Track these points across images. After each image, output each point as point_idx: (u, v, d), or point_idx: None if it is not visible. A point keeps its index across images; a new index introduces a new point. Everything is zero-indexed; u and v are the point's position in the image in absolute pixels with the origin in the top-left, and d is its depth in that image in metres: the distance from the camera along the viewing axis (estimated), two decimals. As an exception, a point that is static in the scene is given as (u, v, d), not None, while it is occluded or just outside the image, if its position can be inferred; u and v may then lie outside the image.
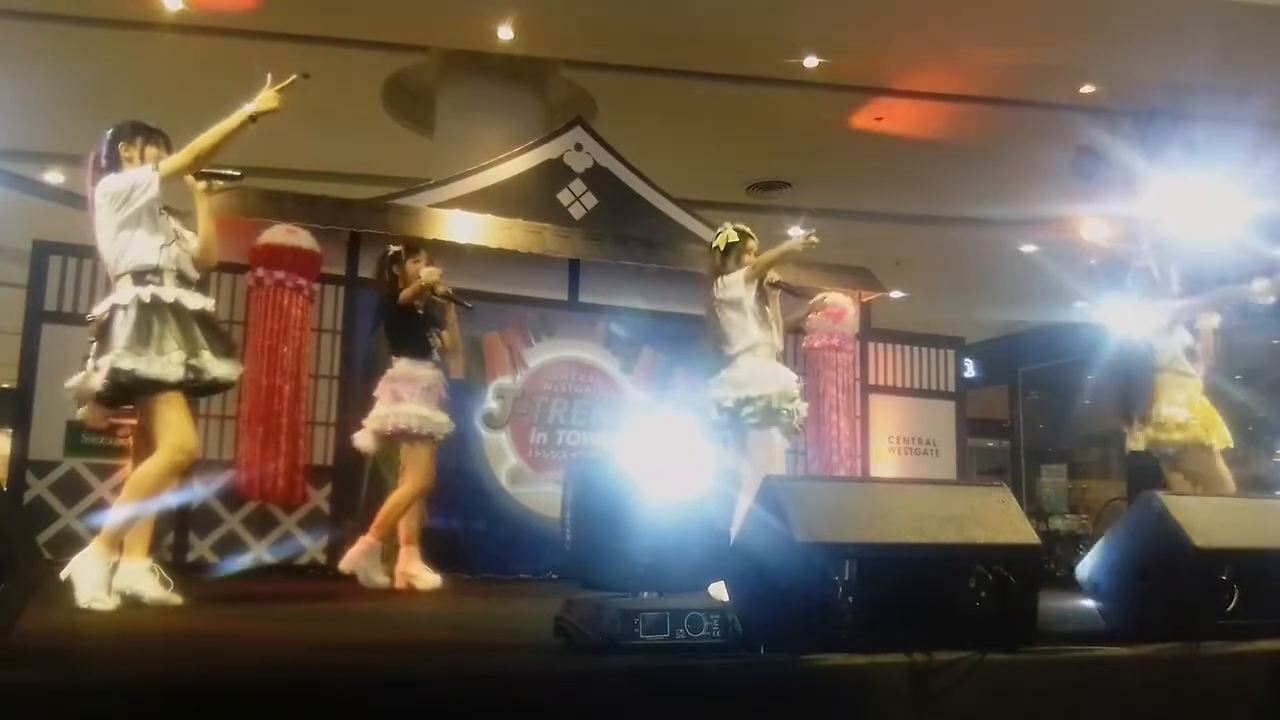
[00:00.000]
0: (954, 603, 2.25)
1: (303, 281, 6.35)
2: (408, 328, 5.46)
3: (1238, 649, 2.50)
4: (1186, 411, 5.22)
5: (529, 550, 6.52)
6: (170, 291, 3.84)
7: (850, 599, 2.18)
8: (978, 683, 2.14)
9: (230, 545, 6.26)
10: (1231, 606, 2.56)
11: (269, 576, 6.07)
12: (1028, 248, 11.91)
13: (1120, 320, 5.53)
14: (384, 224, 6.81)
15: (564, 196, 7.34)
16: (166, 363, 3.66)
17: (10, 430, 6.17)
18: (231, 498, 6.22)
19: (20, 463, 5.99)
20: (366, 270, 6.82)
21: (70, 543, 5.93)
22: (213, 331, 3.89)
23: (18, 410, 6.09)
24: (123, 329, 3.68)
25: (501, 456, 7.04)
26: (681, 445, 3.46)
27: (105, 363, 3.62)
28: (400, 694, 1.83)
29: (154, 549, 6.03)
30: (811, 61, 8.42)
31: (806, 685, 2.07)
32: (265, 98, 4.18)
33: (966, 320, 11.35)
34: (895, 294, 9.28)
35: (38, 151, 10.37)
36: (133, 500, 3.64)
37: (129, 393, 3.73)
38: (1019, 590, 2.31)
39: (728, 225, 5.11)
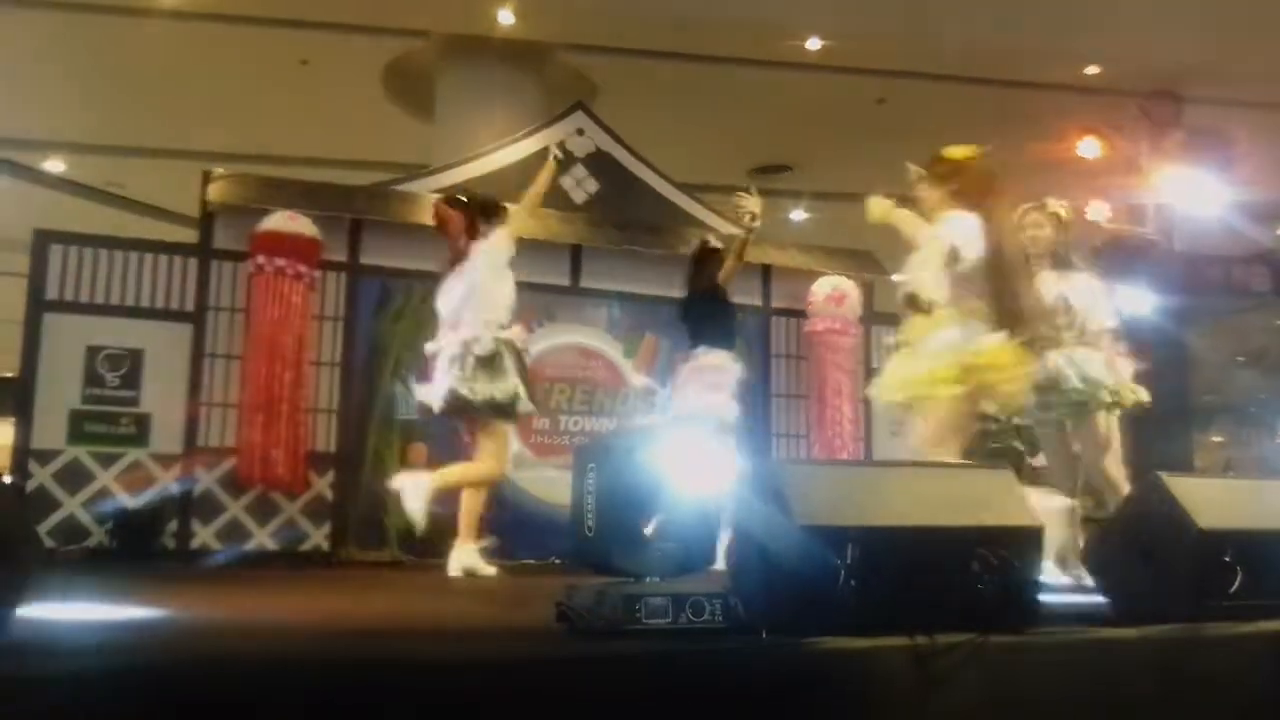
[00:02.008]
0: (957, 585, 2.24)
1: (304, 268, 6.34)
2: (718, 317, 5.70)
3: (1241, 630, 2.49)
4: None
5: (532, 536, 6.52)
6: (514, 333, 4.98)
7: (852, 582, 2.17)
8: (980, 665, 2.14)
9: (233, 532, 6.28)
10: (1235, 588, 2.54)
11: (272, 563, 6.08)
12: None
13: (1136, 302, 5.55)
14: (385, 210, 6.80)
15: (566, 181, 7.32)
16: (506, 390, 4.78)
17: (12, 419, 6.18)
18: (234, 485, 6.23)
19: (23, 451, 6.00)
20: (368, 257, 6.83)
21: (74, 531, 5.96)
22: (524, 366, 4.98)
23: (20, 399, 6.10)
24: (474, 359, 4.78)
25: (504, 442, 7.03)
26: (700, 429, 3.47)
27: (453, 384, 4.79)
28: (402, 679, 1.82)
29: (158, 538, 6.09)
30: (814, 43, 8.39)
31: (809, 668, 2.06)
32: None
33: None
34: (897, 277, 9.24)
35: (39, 140, 10.36)
36: (455, 482, 4.97)
37: (471, 410, 4.86)
38: (1022, 572, 2.31)
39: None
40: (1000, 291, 3.75)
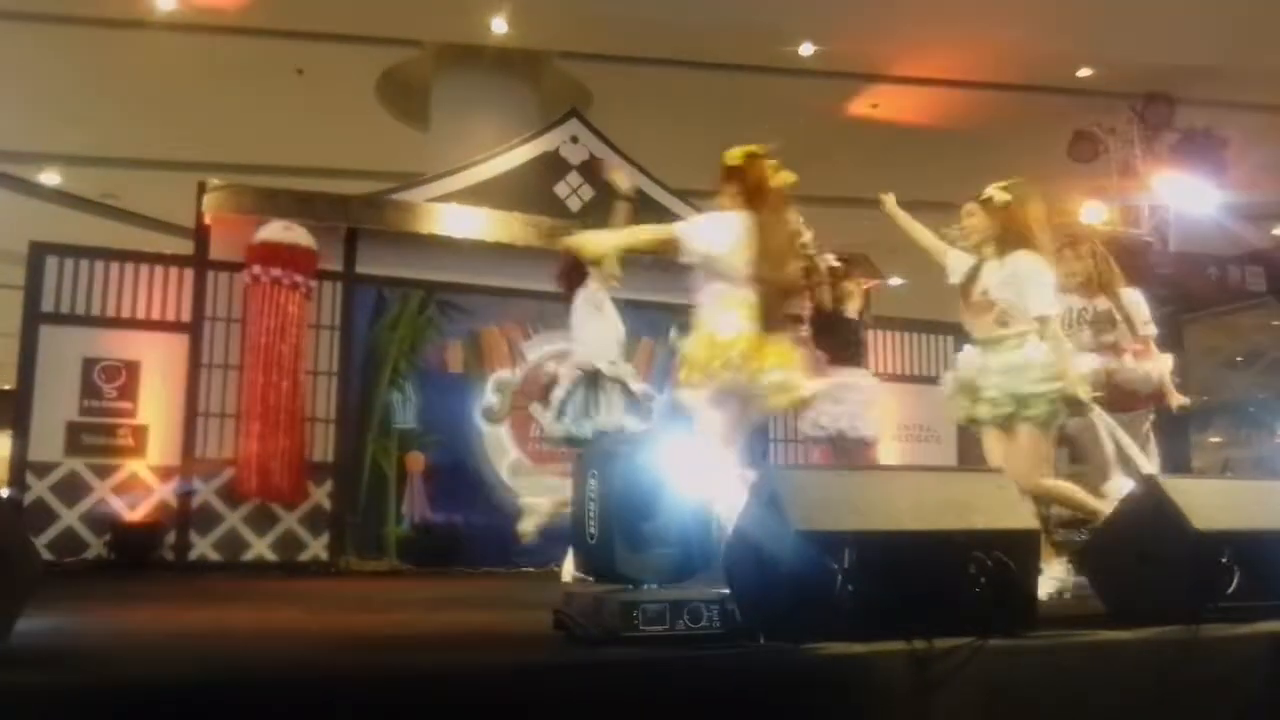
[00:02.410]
0: (954, 589, 2.25)
1: (299, 278, 6.34)
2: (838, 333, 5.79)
3: (1239, 631, 2.49)
4: None
5: (531, 543, 6.51)
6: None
7: (850, 587, 2.17)
8: (978, 669, 2.14)
9: (231, 543, 6.27)
10: (1232, 589, 2.55)
11: (270, 574, 6.07)
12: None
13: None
14: (380, 219, 6.80)
15: (561, 189, 7.33)
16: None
17: (10, 431, 6.17)
18: (232, 495, 6.23)
19: (20, 464, 5.99)
20: (363, 266, 6.83)
21: (72, 543, 5.96)
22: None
23: (17, 412, 6.09)
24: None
25: (501, 450, 7.04)
26: (696, 434, 3.47)
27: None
28: (400, 688, 1.82)
29: (156, 549, 6.08)
30: (807, 49, 8.41)
31: (806, 674, 2.06)
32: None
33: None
34: (894, 281, 9.24)
35: (33, 152, 10.36)
36: None
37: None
38: (1018, 576, 2.31)
39: None
40: (759, 288, 3.80)
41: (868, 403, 5.86)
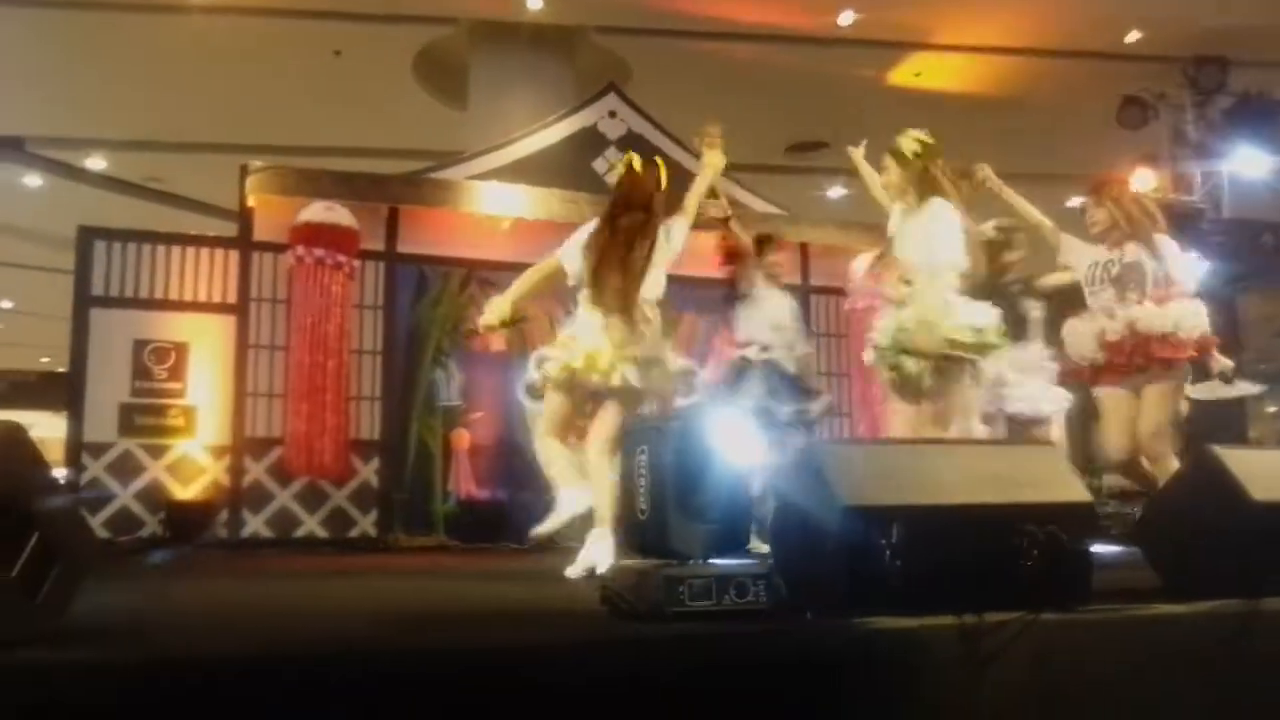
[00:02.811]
0: (1005, 564, 2.21)
1: (342, 258, 6.39)
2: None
3: (1299, 604, 2.44)
4: None
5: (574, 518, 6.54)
6: None
7: (898, 562, 2.15)
8: (1030, 643, 2.11)
9: (283, 520, 6.36)
10: (1292, 561, 2.49)
11: (321, 550, 6.16)
12: (1073, 202, 11.65)
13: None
14: (420, 198, 6.83)
15: (599, 165, 7.29)
16: None
17: (65, 413, 6.30)
18: (282, 474, 6.32)
19: (76, 444, 6.12)
20: (405, 245, 6.87)
21: (127, 521, 6.08)
22: None
23: (71, 394, 6.22)
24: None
25: (545, 427, 7.05)
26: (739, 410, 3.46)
27: None
28: (446, 663, 1.84)
29: (210, 527, 6.20)
30: (847, 18, 8.27)
31: (854, 649, 2.05)
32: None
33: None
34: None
35: (79, 138, 10.51)
36: None
37: None
38: (1071, 549, 2.27)
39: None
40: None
41: (1044, 383, 5.28)
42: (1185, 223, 8.01)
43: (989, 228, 5.63)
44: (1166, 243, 4.28)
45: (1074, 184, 11.13)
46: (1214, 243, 7.94)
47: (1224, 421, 5.60)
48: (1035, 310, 5.34)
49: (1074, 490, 2.40)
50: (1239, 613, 2.37)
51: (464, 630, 2.41)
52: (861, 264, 7.48)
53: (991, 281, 5.44)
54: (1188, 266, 4.36)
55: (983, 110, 9.43)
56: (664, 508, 2.28)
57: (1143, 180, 8.42)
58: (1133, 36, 8.61)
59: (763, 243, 5.91)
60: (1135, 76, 8.73)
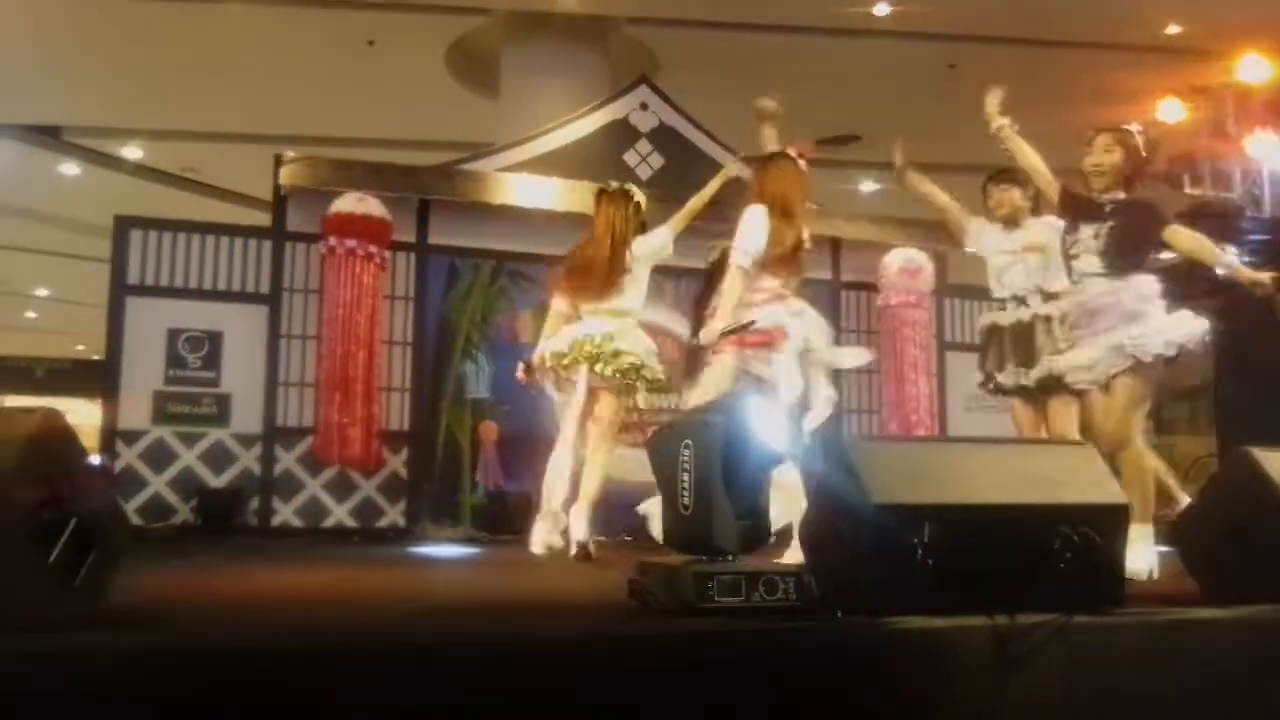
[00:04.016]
0: (1038, 565, 2.19)
1: (374, 249, 6.41)
2: None
3: (1339, 610, 2.39)
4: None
5: (603, 513, 6.55)
6: None
7: (929, 561, 2.13)
8: (1063, 646, 2.09)
9: (313, 510, 6.41)
10: (1333, 566, 2.45)
11: (351, 540, 6.20)
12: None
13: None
14: (452, 189, 6.84)
15: (630, 157, 7.28)
16: None
17: (100, 400, 6.38)
18: (312, 463, 6.37)
19: (110, 432, 6.19)
20: (436, 237, 6.89)
21: (160, 508, 6.16)
22: None
23: (106, 381, 6.29)
24: None
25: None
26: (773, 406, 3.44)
27: None
28: (473, 655, 1.84)
29: (241, 514, 6.26)
30: (882, 9, 8.20)
31: (884, 648, 2.03)
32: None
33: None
34: (971, 249, 9.05)
35: (115, 128, 10.62)
36: None
37: None
38: (1105, 551, 2.24)
39: None
40: None
41: None
42: (1224, 220, 7.88)
43: None
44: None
45: (1110, 179, 10.96)
46: (1253, 240, 7.81)
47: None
48: None
49: (1109, 491, 2.37)
50: (1276, 618, 2.33)
51: (490, 622, 2.42)
52: (894, 259, 7.43)
53: None
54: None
55: (1018, 103, 9.32)
56: (709, 503, 2.27)
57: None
58: (1173, 29, 8.47)
59: None
60: (1175, 71, 8.60)
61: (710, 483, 2.26)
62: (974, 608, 2.08)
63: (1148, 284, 3.77)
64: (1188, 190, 8.47)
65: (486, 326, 6.95)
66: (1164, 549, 3.46)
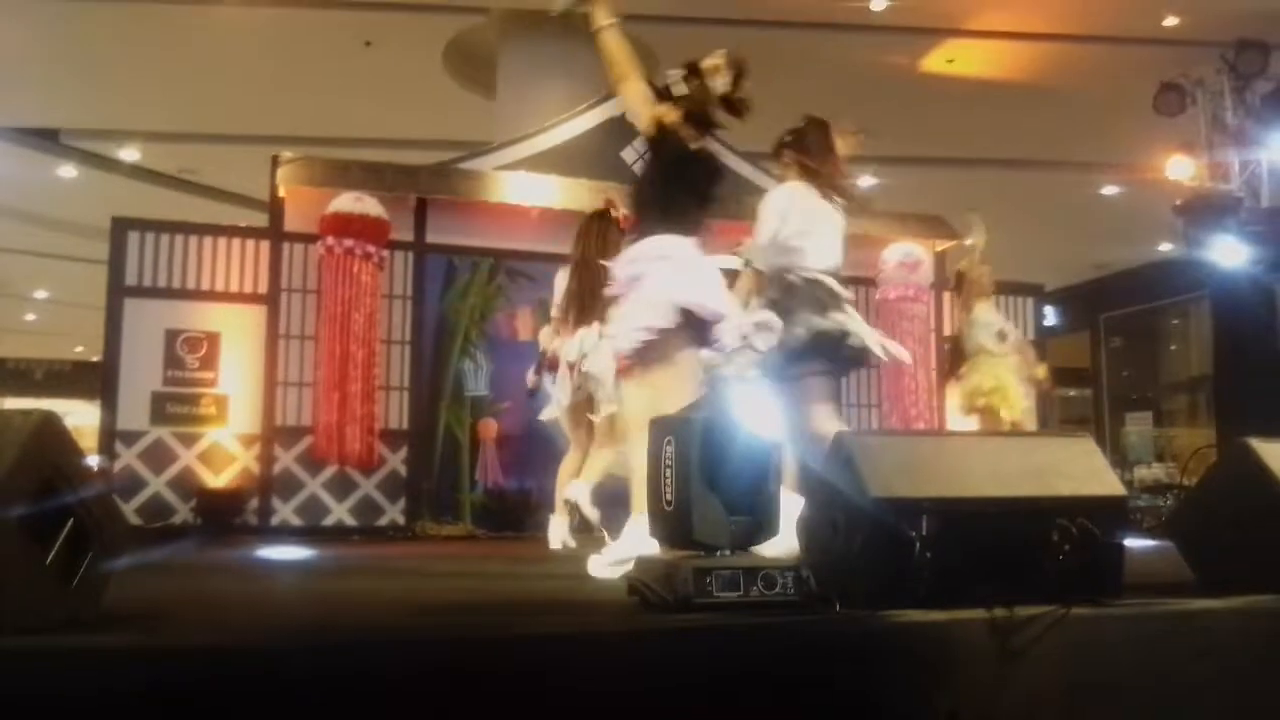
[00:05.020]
0: (1036, 557, 2.19)
1: (371, 248, 6.42)
2: None
3: (1339, 600, 2.39)
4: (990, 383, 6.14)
5: (604, 510, 6.55)
6: None
7: (928, 554, 2.13)
8: (1061, 638, 2.09)
9: (312, 508, 6.42)
10: (1332, 556, 2.44)
11: (350, 538, 6.20)
12: (1109, 189, 11.50)
13: (1227, 256, 5.22)
14: (449, 188, 6.84)
15: (627, 154, 7.27)
16: None
17: (99, 402, 6.38)
18: (311, 462, 6.37)
19: (109, 433, 6.20)
20: (434, 236, 6.89)
21: (160, 508, 6.16)
22: None
23: (105, 383, 6.30)
24: None
25: (573, 417, 7.06)
26: (759, 400, 3.43)
27: None
28: (475, 652, 1.84)
29: (240, 515, 6.26)
30: (879, 4, 8.19)
31: (883, 642, 2.03)
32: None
33: (1046, 266, 10.97)
34: (969, 242, 9.05)
35: (112, 129, 10.61)
36: None
37: None
38: (1104, 543, 2.24)
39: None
40: None
41: None
42: (1223, 212, 7.87)
43: None
44: None
45: (1109, 172, 11.03)
46: (1252, 232, 7.80)
47: None
48: None
49: (1107, 483, 2.37)
50: (1275, 608, 2.33)
51: (489, 619, 2.42)
52: (893, 253, 7.43)
53: None
54: None
55: (1017, 98, 9.32)
56: (688, 499, 2.27)
57: (1180, 169, 8.29)
58: (1170, 21, 8.46)
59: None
60: (1173, 62, 8.59)
61: (689, 478, 2.26)
62: (972, 601, 2.08)
63: None
64: (1186, 183, 8.45)
65: (485, 324, 6.95)
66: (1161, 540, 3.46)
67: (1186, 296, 13.26)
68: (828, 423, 3.49)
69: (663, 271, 3.28)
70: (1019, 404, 6.24)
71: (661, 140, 3.42)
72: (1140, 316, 13.42)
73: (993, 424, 6.06)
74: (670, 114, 3.41)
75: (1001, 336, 6.40)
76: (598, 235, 4.86)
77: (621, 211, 5.01)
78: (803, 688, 1.94)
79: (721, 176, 3.75)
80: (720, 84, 3.65)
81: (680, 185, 3.42)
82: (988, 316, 6.46)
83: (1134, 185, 10.80)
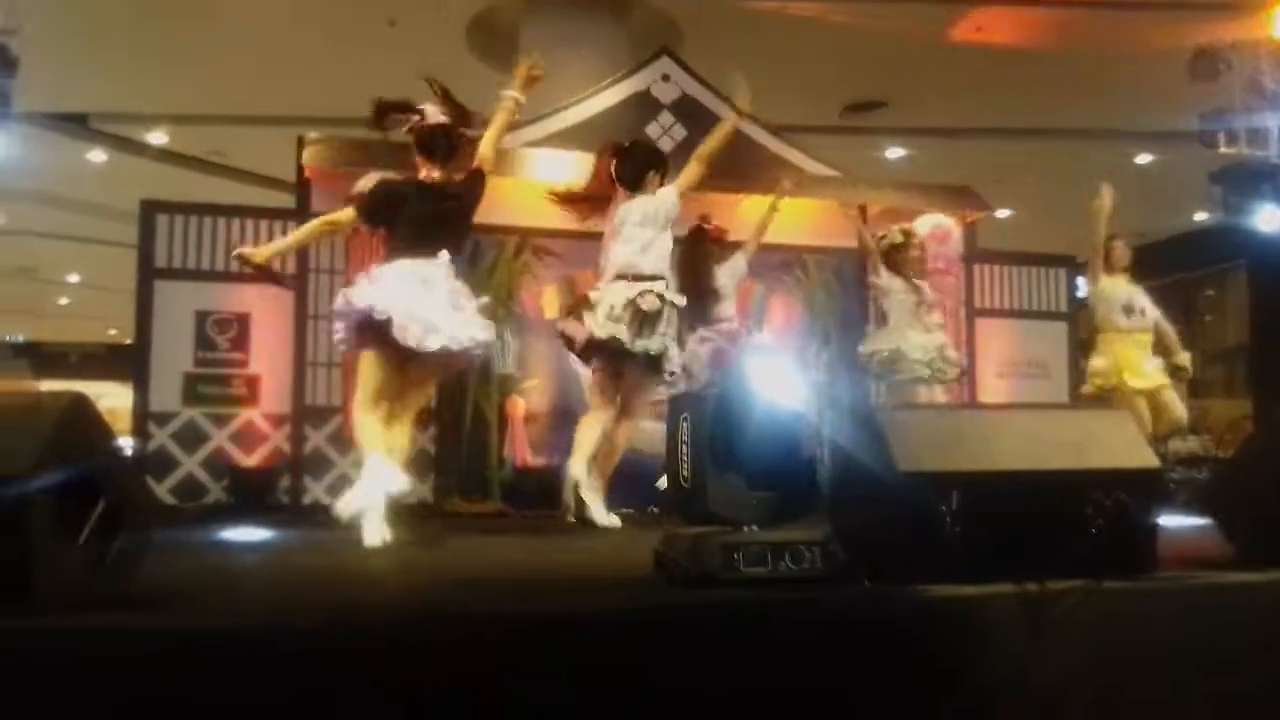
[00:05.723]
0: (1069, 531, 2.16)
1: (398, 228, 6.40)
2: None
3: (1381, 573, 2.35)
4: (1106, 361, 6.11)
5: (630, 485, 6.55)
6: None
7: (958, 528, 2.11)
8: (1093, 611, 2.06)
9: (343, 487, 6.44)
10: (1374, 528, 2.40)
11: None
12: (1142, 158, 11.31)
13: (1268, 223, 5.15)
14: (474, 166, 6.81)
15: (653, 129, 7.21)
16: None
17: (131, 383, 6.45)
18: (342, 442, 6.40)
19: (143, 414, 6.26)
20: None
21: (193, 488, 6.23)
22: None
23: (137, 365, 6.36)
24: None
25: (599, 394, 7.06)
26: (783, 376, 3.41)
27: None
28: (503, 628, 1.84)
29: (272, 494, 6.32)
30: (906, -27, 8.07)
31: (912, 616, 2.02)
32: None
33: (1078, 237, 10.80)
34: (1001, 213, 8.94)
35: (140, 113, 10.68)
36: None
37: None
38: (1138, 516, 2.21)
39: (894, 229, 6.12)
40: None
41: None
42: (1261, 178, 7.72)
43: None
44: None
45: (1143, 141, 10.84)
46: (1291, 199, 7.65)
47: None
48: None
49: (1142, 456, 2.34)
50: (1315, 581, 2.29)
51: (518, 596, 2.42)
52: (922, 225, 7.34)
53: None
54: None
55: (1047, 65, 9.16)
56: (703, 475, 2.27)
57: (1216, 136, 8.10)
58: (1205, -16, 8.28)
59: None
60: (1209, 25, 8.41)
61: (704, 454, 2.25)
62: (1003, 575, 2.06)
63: None
64: (1223, 150, 8.29)
65: (511, 302, 6.94)
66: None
67: (1222, 266, 13.06)
68: None
69: None
70: (1146, 373, 6.10)
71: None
72: (1174, 287, 13.22)
73: (1123, 406, 5.61)
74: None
75: (1128, 311, 6.23)
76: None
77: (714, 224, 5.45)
78: (831, 663, 1.93)
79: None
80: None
81: None
82: (1115, 291, 6.30)
83: (1168, 153, 10.61)
